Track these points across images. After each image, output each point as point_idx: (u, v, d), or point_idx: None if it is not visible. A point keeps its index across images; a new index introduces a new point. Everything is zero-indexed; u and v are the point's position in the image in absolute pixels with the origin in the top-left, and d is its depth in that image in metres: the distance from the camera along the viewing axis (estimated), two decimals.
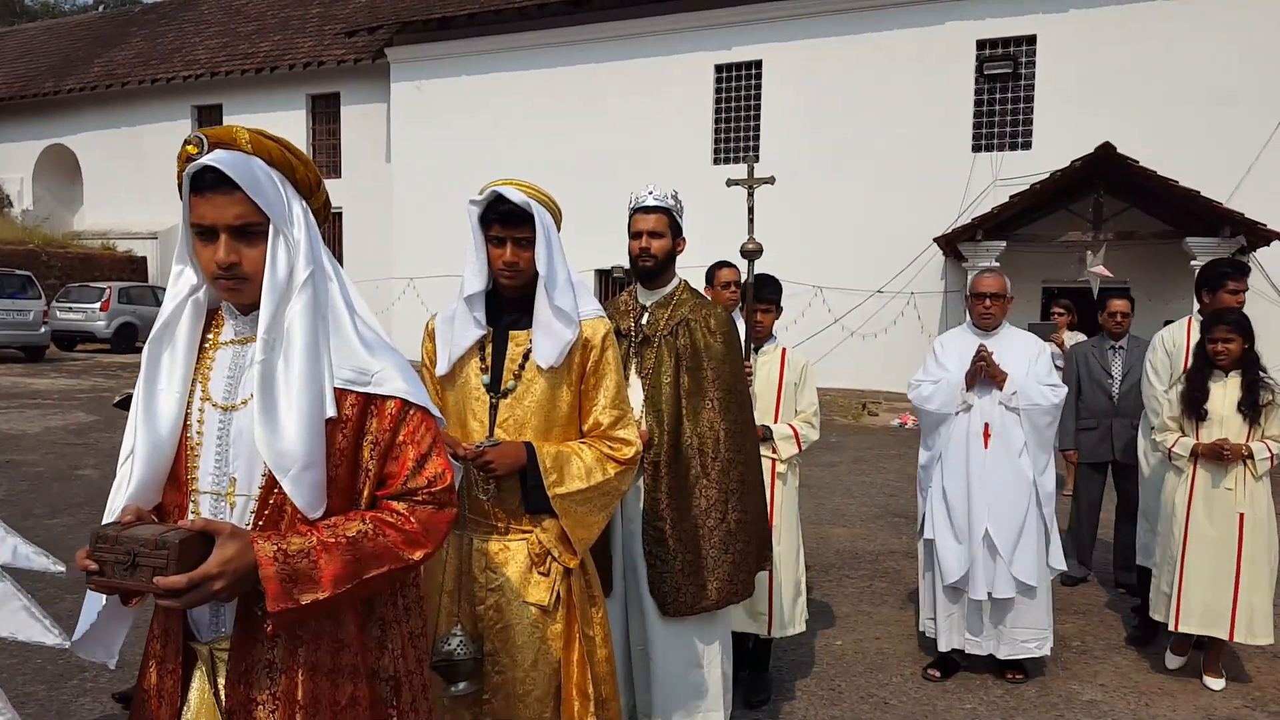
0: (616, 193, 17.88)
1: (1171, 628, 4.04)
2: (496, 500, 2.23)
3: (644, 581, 2.84)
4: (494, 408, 2.25)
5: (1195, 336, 4.31)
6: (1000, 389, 3.92)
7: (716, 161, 16.69)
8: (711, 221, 16.32)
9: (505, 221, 2.22)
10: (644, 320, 3.00)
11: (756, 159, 16.47)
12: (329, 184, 19.42)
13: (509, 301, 2.31)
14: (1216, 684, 4.05)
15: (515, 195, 2.20)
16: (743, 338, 3.56)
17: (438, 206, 18.37)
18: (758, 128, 16.33)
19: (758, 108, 16.30)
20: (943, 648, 4.08)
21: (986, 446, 3.95)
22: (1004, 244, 12.76)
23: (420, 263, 18.11)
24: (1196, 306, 4.53)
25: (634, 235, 2.96)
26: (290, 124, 20.49)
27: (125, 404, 2.94)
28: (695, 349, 2.92)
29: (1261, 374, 3.96)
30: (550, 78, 17.51)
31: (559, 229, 2.31)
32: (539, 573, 2.23)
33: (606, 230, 16.99)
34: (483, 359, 2.29)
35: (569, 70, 17.38)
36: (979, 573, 3.93)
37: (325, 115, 20.79)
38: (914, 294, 14.93)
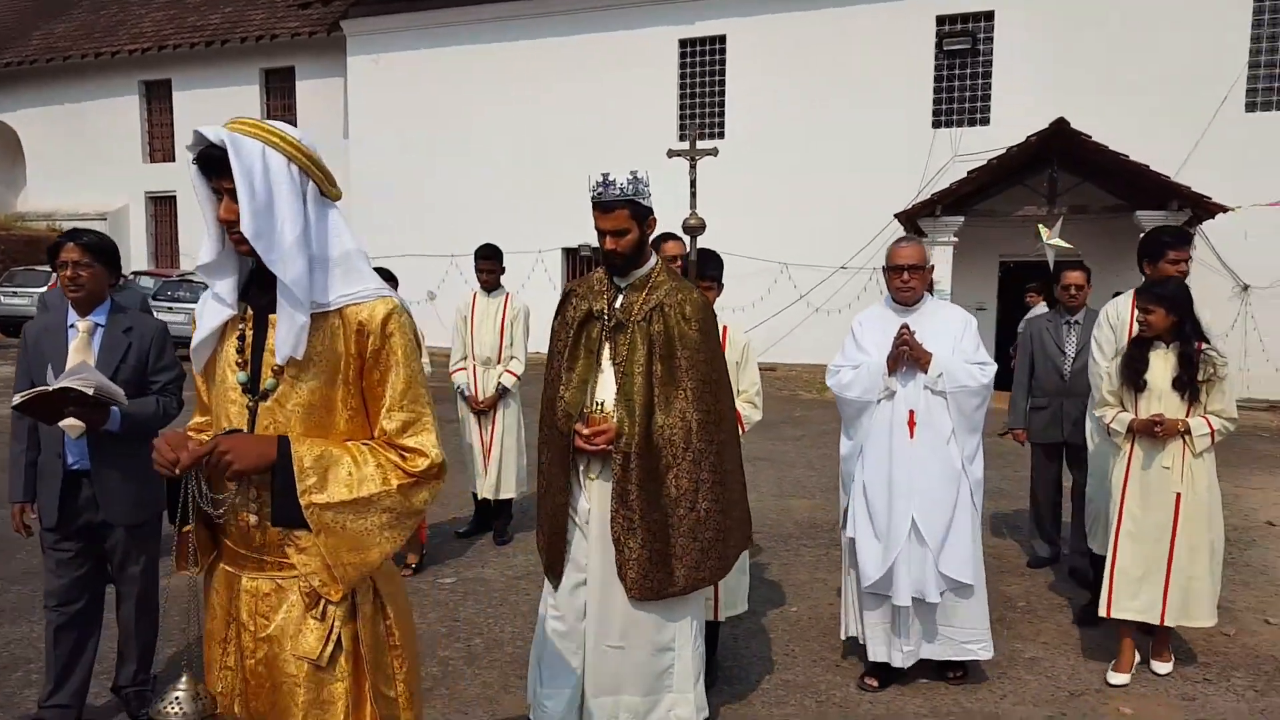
0: (582, 169, 17.80)
1: (1102, 613, 3.85)
2: (260, 525, 1.80)
3: (610, 569, 2.77)
4: (253, 412, 1.81)
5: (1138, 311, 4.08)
6: (925, 371, 3.58)
7: (682, 138, 16.62)
8: (680, 198, 16.37)
9: (207, 169, 1.77)
10: (618, 304, 2.85)
11: (721, 135, 16.69)
12: None
13: (268, 275, 1.80)
14: (1163, 668, 3.93)
15: (211, 133, 1.72)
16: None
17: (398, 183, 18.19)
18: (723, 104, 16.32)
19: (722, 84, 16.28)
20: (872, 657, 3.76)
21: (912, 436, 3.59)
22: (962, 219, 12.93)
23: (381, 241, 17.88)
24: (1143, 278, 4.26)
25: (598, 233, 2.81)
26: (243, 99, 20.07)
27: (31, 408, 2.60)
28: (669, 336, 2.78)
29: (1203, 347, 3.75)
30: (513, 51, 17.32)
31: (327, 186, 1.88)
32: (312, 617, 1.80)
33: (572, 207, 16.94)
34: (240, 350, 1.84)
35: (532, 44, 17.20)
36: (902, 574, 3.58)
37: (279, 90, 20.38)
38: (876, 270, 15.07)
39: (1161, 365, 3.79)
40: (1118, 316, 4.32)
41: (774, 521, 6.44)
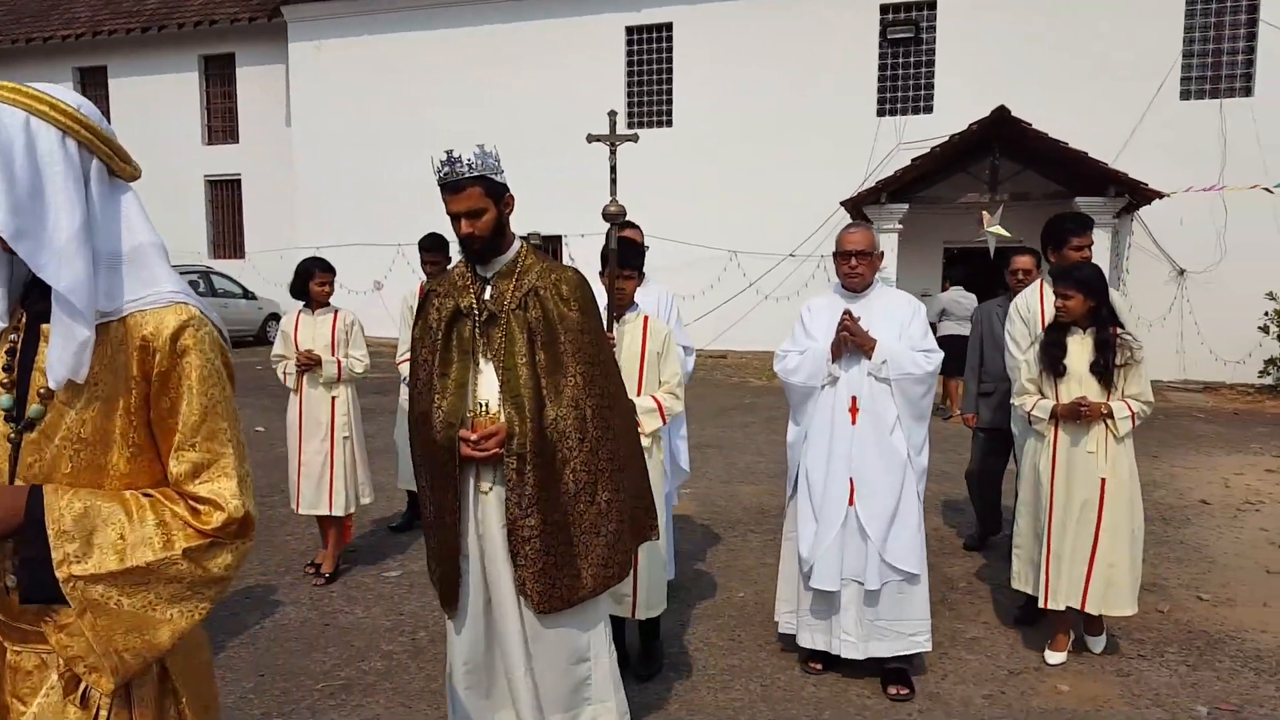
0: (530, 157, 17.72)
1: (1041, 605, 3.87)
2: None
3: (509, 588, 2.53)
4: (16, 446, 1.43)
5: (1049, 298, 4.12)
6: (869, 358, 3.56)
7: (630, 125, 16.58)
8: (626, 183, 16.34)
9: None
10: (487, 295, 2.59)
11: (670, 123, 16.66)
12: (226, 149, 18.66)
13: None
14: (1097, 643, 4.00)
15: None
16: (603, 307, 3.41)
17: (342, 172, 17.87)
18: (670, 91, 16.29)
19: (669, 71, 16.25)
20: (804, 643, 3.75)
21: (854, 422, 3.57)
22: (906, 206, 13.07)
23: (326, 231, 17.62)
24: (1045, 267, 4.37)
25: (451, 218, 2.55)
26: (182, 86, 19.57)
27: None
28: (549, 320, 2.55)
29: (1118, 332, 3.78)
30: (459, 38, 17.09)
31: (119, 164, 1.49)
32: (72, 703, 1.43)
33: (521, 196, 16.85)
34: (8, 368, 1.46)
35: (478, 30, 16.99)
36: (833, 559, 3.57)
37: (219, 77, 19.88)
38: (824, 257, 15.20)
39: (1079, 350, 3.80)
40: (1028, 308, 4.36)
41: (722, 507, 6.46)
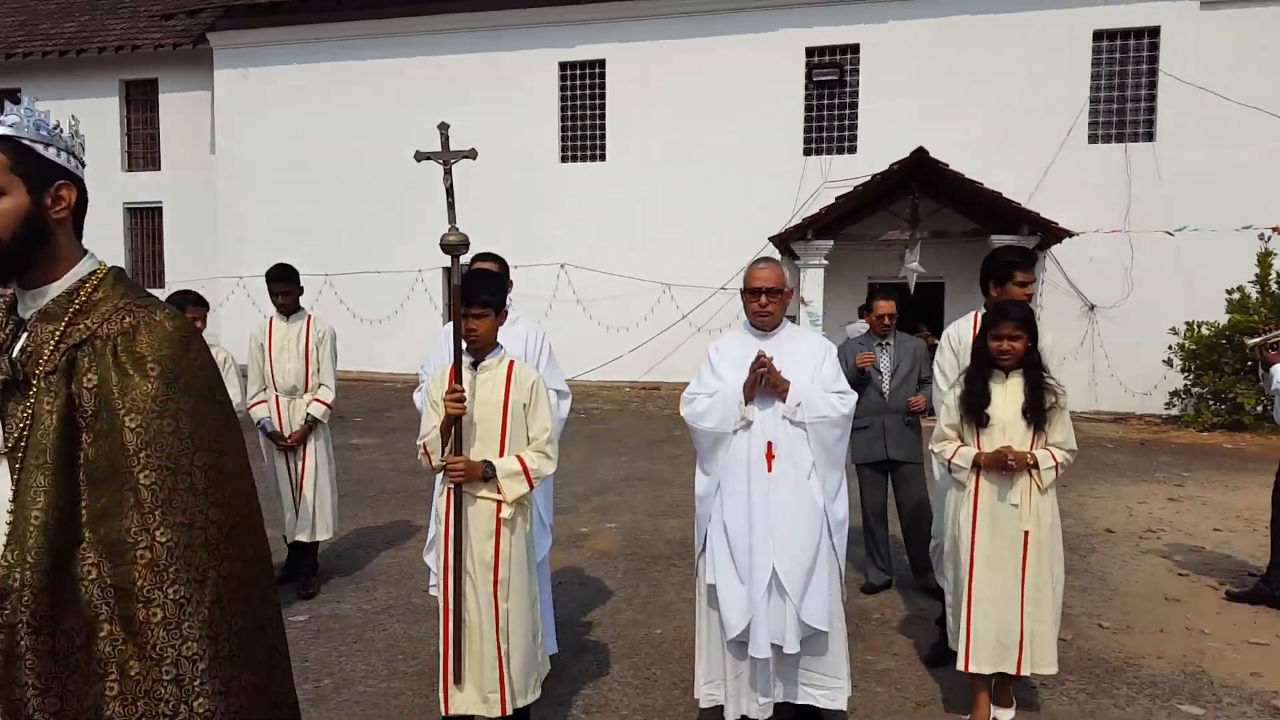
0: (465, 191, 17.72)
1: (960, 667, 3.58)
2: None
3: None
4: None
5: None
6: (783, 400, 3.36)
7: (565, 159, 16.72)
8: (560, 218, 16.42)
9: None
10: (19, 345, 1.59)
11: (603, 158, 16.79)
12: (147, 176, 18.19)
13: None
14: (1006, 715, 3.73)
15: None
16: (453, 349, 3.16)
17: (269, 201, 17.58)
18: (603, 127, 16.46)
19: (603, 107, 16.42)
20: (730, 716, 3.46)
21: (770, 470, 3.35)
22: (832, 243, 13.38)
23: (250, 260, 17.23)
24: (984, 300, 4.20)
25: None
26: (102, 111, 19.04)
27: None
28: (105, 394, 1.52)
29: (1044, 375, 3.57)
30: (392, 69, 17.01)
31: None
32: None
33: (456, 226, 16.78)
34: None
35: (411, 62, 16.95)
36: (761, 622, 3.32)
37: (141, 103, 19.42)
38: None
39: (1003, 397, 3.55)
40: (959, 340, 4.20)
41: (646, 541, 6.46)
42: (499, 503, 3.17)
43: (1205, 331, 12.21)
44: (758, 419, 3.40)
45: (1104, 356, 13.86)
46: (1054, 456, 3.51)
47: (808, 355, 3.51)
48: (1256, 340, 5.43)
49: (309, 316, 5.41)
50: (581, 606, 5.10)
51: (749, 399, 3.39)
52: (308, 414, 5.24)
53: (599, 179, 16.22)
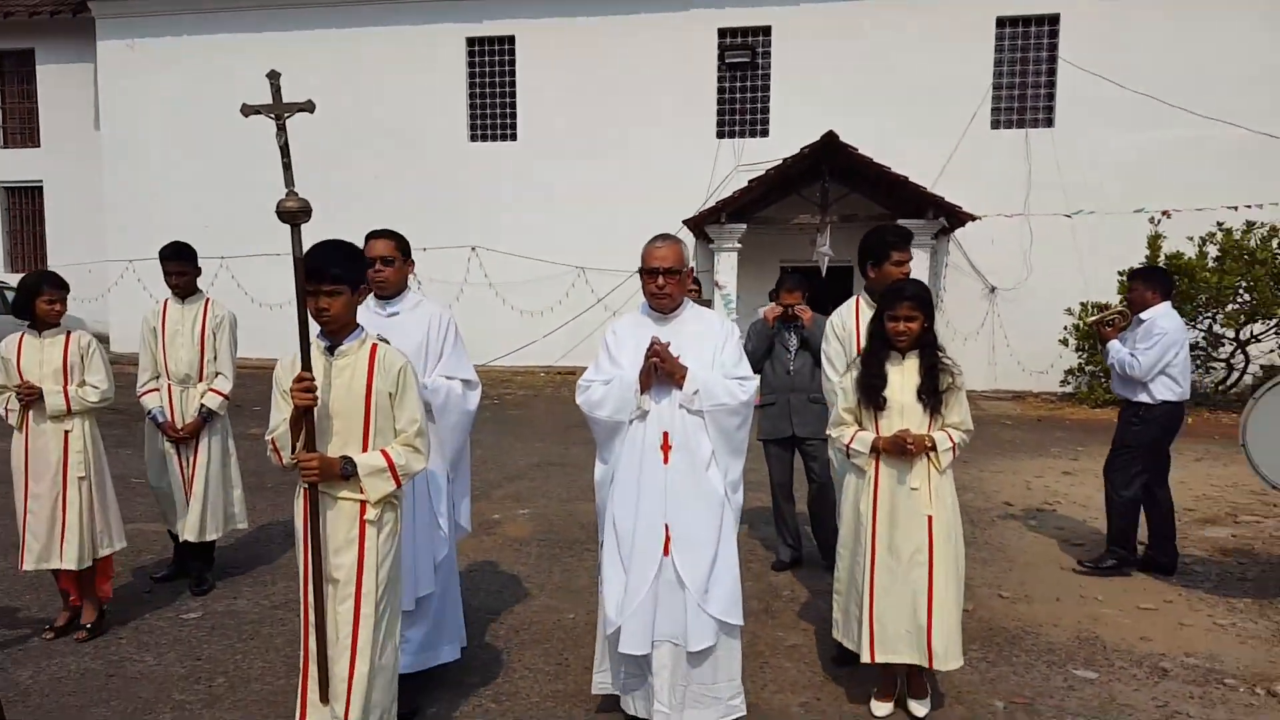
0: (370, 169, 17.16)
1: (866, 660, 3.48)
2: None
3: None
4: None
5: (868, 316, 3.84)
6: (679, 388, 3.21)
7: (474, 138, 16.39)
8: (470, 199, 16.09)
9: None
10: None
11: (514, 137, 16.50)
12: (24, 154, 17.14)
13: None
14: (921, 709, 3.59)
15: None
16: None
17: (159, 181, 16.75)
18: (513, 104, 16.17)
19: (512, 84, 16.13)
20: (627, 709, 3.39)
21: (666, 461, 3.21)
22: (745, 226, 13.45)
23: (140, 243, 16.39)
24: (863, 283, 4.15)
25: None
26: None
27: None
28: None
29: (940, 355, 3.49)
30: (292, 43, 16.35)
31: None
32: None
33: (359, 208, 16.33)
34: None
35: (311, 35, 16.33)
36: (645, 619, 3.18)
37: (17, 74, 18.24)
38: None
39: (900, 379, 3.47)
40: (844, 327, 4.10)
41: (560, 526, 6.38)
42: (362, 503, 2.85)
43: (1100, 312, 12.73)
44: (653, 408, 3.26)
45: (1004, 337, 14.33)
46: (951, 438, 3.44)
47: (709, 338, 3.35)
48: (1095, 318, 5.66)
49: (206, 300, 5.04)
50: (492, 595, 5.00)
51: (644, 388, 3.24)
52: (202, 405, 4.90)
53: (510, 159, 15.95)
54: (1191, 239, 11.89)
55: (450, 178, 16.05)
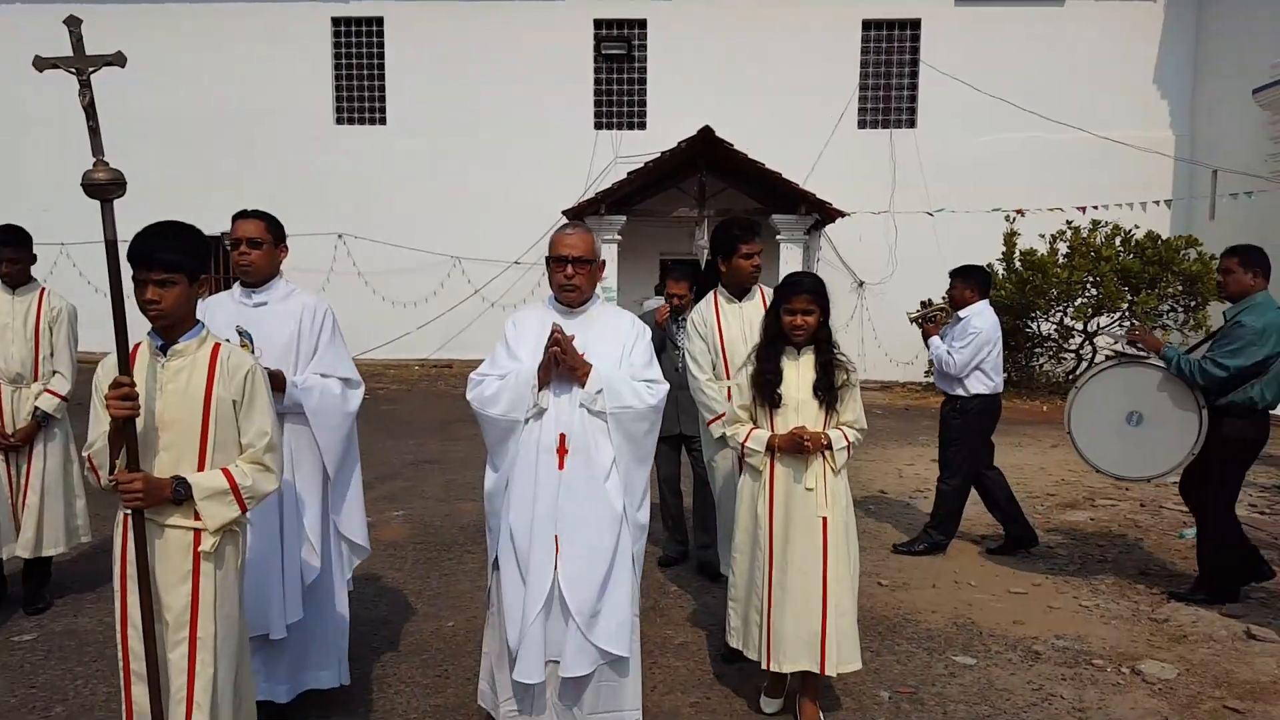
0: (233, 150, 16.22)
1: (765, 667, 3.36)
2: None
3: None
4: None
5: (727, 311, 3.91)
6: (582, 386, 2.95)
7: (340, 121, 15.74)
8: (337, 184, 15.39)
9: None
10: None
11: (383, 121, 15.93)
12: None
13: None
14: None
15: None
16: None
17: (9, 159, 15.36)
18: (383, 89, 15.61)
19: (382, 67, 15.56)
20: None
21: (562, 466, 2.92)
22: (625, 219, 13.42)
23: None
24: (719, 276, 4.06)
25: None
26: None
27: None
28: None
29: (835, 351, 3.38)
30: (145, 14, 15.25)
31: None
32: None
33: (217, 192, 15.41)
34: None
35: (167, 9, 15.30)
36: (533, 644, 2.89)
37: None
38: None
39: (795, 375, 3.35)
40: (705, 323, 4.00)
41: (437, 528, 6.13)
42: (197, 532, 2.40)
43: None
44: (551, 406, 2.96)
45: (872, 330, 14.85)
46: (846, 436, 3.34)
47: (618, 337, 3.09)
48: (917, 314, 5.90)
49: (41, 290, 4.56)
50: (367, 603, 4.73)
51: (543, 382, 2.95)
52: (36, 407, 4.42)
53: (379, 143, 15.40)
54: (1044, 236, 12.60)
55: (315, 161, 15.35)
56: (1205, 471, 4.51)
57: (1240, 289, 4.42)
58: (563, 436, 2.94)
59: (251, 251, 3.32)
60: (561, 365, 2.93)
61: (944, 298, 6.09)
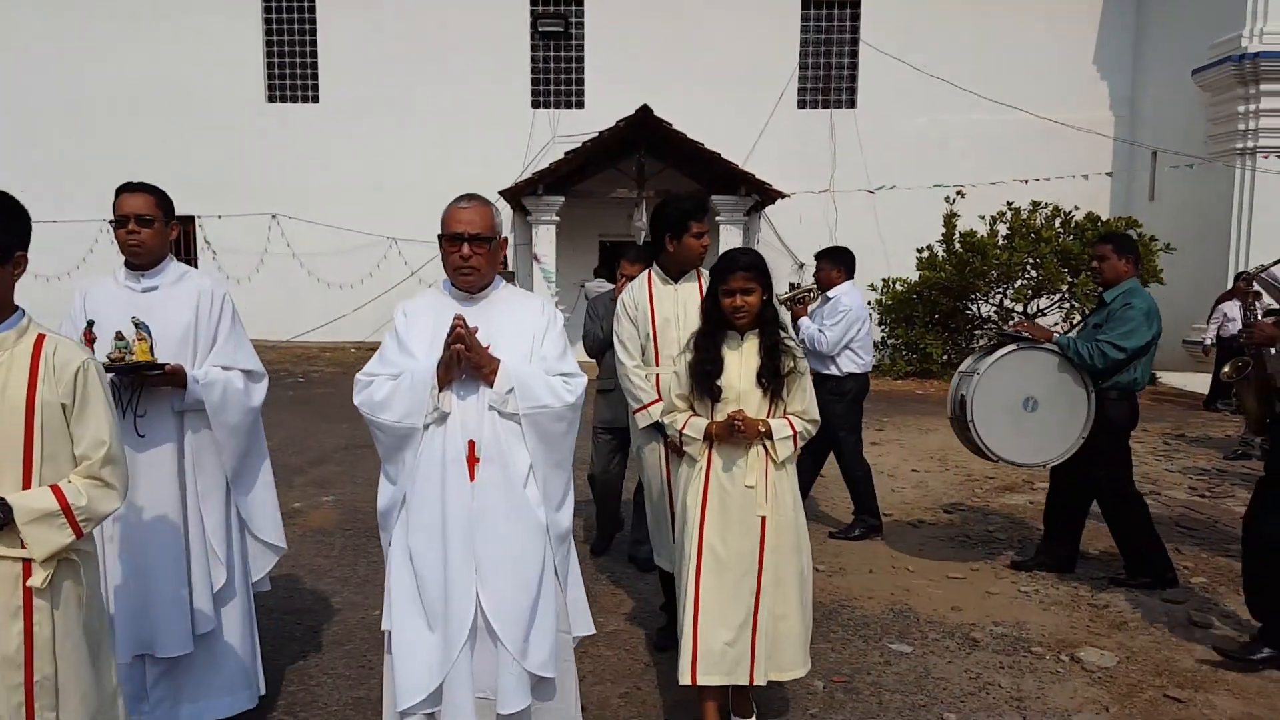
0: (156, 128, 15.56)
1: (686, 681, 2.98)
2: None
3: None
4: None
5: (662, 293, 3.64)
6: (490, 385, 2.57)
7: (271, 99, 15.19)
8: (269, 163, 14.84)
9: None
10: None
11: (316, 99, 15.44)
12: None
13: None
14: None
15: None
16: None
17: None
18: (315, 66, 15.10)
19: (314, 44, 15.04)
20: None
21: (473, 477, 2.56)
22: (563, 199, 13.18)
23: None
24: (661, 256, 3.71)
25: None
26: None
27: None
28: None
29: (782, 335, 3.08)
30: None
31: None
32: None
33: (148, 172, 14.75)
34: None
35: None
36: (462, 680, 2.52)
37: None
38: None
39: (738, 362, 3.04)
40: (636, 306, 3.68)
41: (367, 513, 5.84)
42: (26, 562, 2.01)
43: (899, 288, 13.38)
44: (456, 409, 2.58)
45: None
46: (792, 425, 3.00)
47: (526, 325, 2.72)
48: (786, 296, 5.88)
49: None
50: (290, 592, 4.51)
51: (443, 383, 2.56)
52: None
53: (311, 122, 14.91)
54: (983, 218, 12.68)
55: (245, 141, 14.81)
56: (1093, 456, 4.52)
57: (1115, 275, 4.54)
58: (472, 444, 2.56)
59: (141, 230, 2.99)
60: (466, 363, 2.54)
61: (812, 280, 6.11)
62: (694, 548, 3.01)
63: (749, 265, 2.98)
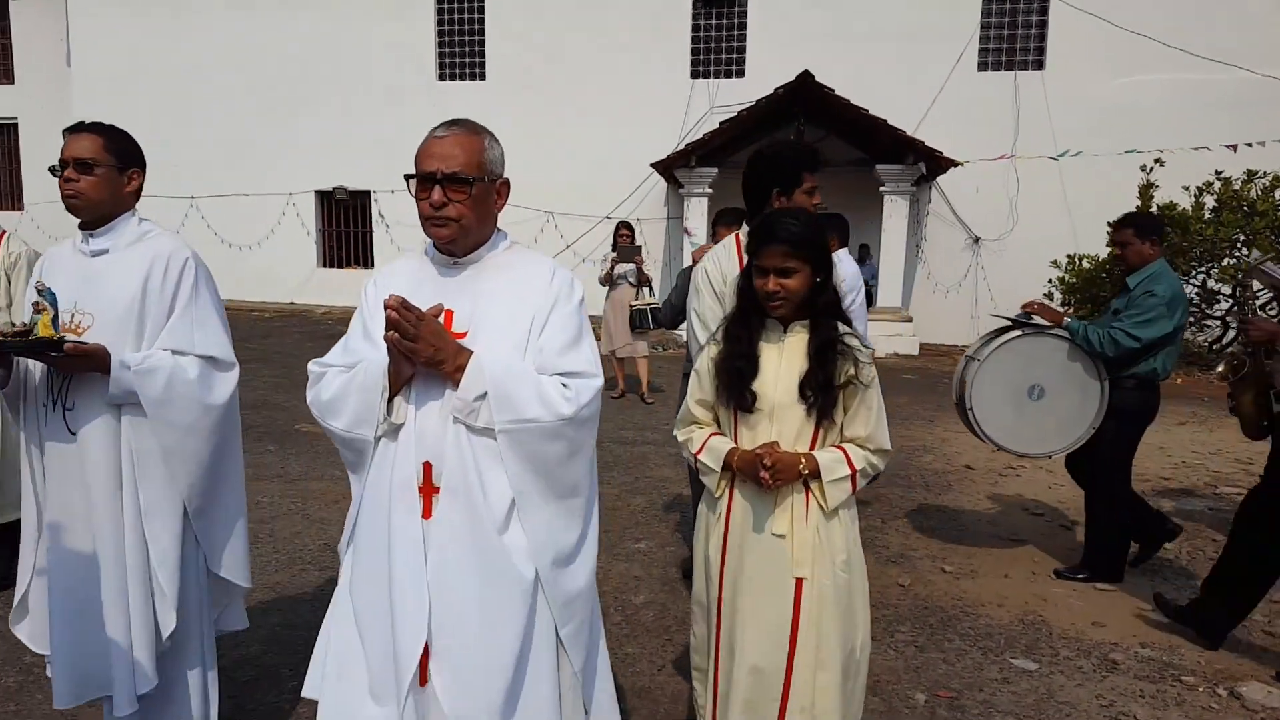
0: (334, 107, 16.50)
1: None
2: None
3: None
4: None
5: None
6: (454, 387, 1.79)
7: (442, 77, 15.73)
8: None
9: None
10: None
11: (483, 77, 15.82)
12: (0, 91, 16.31)
13: None
14: None
15: None
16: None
17: (128, 117, 16.02)
18: (483, 44, 15.49)
19: (482, 23, 15.42)
20: None
21: (428, 513, 1.79)
22: (716, 171, 12.83)
23: None
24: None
25: None
26: None
27: None
28: None
29: (843, 331, 2.22)
30: None
31: None
32: None
33: (325, 148, 15.70)
34: None
35: None
36: None
37: None
38: (641, 220, 14.89)
39: (777, 363, 2.22)
40: (722, 278, 2.92)
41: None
42: None
43: (1086, 265, 12.13)
44: (411, 421, 1.82)
45: (987, 289, 13.79)
46: (850, 459, 2.17)
47: (525, 302, 1.88)
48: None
49: (2, 233, 4.07)
50: (288, 624, 4.32)
51: (395, 385, 1.82)
52: None
53: (479, 98, 15.28)
54: (1187, 189, 11.25)
55: (418, 118, 15.41)
56: (1100, 446, 4.25)
57: (1140, 259, 4.22)
58: (428, 467, 1.80)
59: (81, 178, 2.37)
60: (419, 356, 1.76)
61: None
62: (713, 609, 2.29)
63: (789, 237, 2.14)
